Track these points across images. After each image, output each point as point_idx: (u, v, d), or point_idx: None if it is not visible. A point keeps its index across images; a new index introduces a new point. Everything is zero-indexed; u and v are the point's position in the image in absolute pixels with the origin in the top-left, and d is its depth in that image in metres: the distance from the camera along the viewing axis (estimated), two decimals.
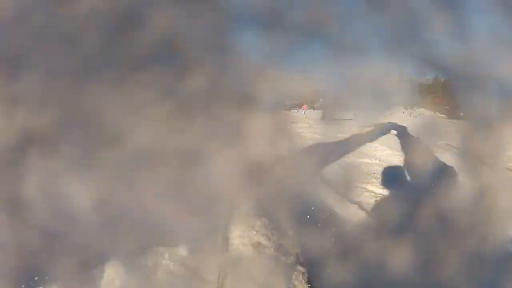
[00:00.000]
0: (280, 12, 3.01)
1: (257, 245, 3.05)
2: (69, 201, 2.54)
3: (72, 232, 2.52)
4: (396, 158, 6.08)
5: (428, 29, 2.86)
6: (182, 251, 2.90)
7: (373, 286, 2.64)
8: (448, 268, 2.59)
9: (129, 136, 2.59)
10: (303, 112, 10.74)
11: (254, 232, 3.17)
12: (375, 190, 4.51)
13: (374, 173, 5.19)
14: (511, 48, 2.69)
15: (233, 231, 3.16)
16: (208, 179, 2.73)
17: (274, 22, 2.98)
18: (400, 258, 2.74)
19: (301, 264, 2.92)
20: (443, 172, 4.50)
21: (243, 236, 3.12)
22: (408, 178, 4.96)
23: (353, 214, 3.79)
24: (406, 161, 5.71)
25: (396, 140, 7.10)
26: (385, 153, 6.40)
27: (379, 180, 4.92)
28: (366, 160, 5.93)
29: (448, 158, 5.04)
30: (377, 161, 5.86)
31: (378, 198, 4.30)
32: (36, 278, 2.54)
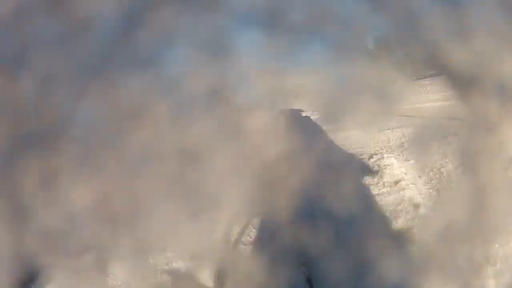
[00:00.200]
0: (280, 11, 3.01)
1: (258, 245, 3.05)
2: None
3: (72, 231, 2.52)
4: (396, 159, 6.08)
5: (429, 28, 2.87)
6: (182, 251, 2.90)
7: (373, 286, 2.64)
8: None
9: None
10: None
11: (254, 231, 3.17)
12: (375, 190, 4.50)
13: (373, 174, 5.18)
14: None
15: (233, 230, 3.16)
16: (208, 178, 2.73)
17: (275, 21, 2.98)
18: (400, 258, 2.74)
19: (301, 264, 2.92)
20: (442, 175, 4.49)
21: (243, 235, 3.12)
22: (408, 178, 4.96)
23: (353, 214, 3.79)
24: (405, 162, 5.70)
25: (396, 141, 7.09)
26: (386, 155, 6.39)
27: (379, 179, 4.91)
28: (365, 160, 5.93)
29: (447, 158, 5.03)
30: (377, 162, 5.85)
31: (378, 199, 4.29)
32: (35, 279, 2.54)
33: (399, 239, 3.11)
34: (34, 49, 2.70)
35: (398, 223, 3.46)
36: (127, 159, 2.59)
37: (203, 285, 2.70)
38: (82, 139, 2.72)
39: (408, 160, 5.49)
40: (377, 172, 5.37)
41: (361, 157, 6.19)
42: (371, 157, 6.26)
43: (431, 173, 4.54)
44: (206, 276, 2.73)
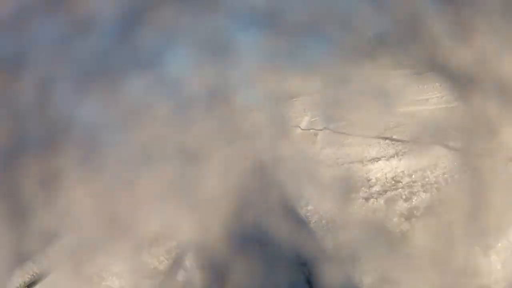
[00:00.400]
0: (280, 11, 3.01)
1: (258, 245, 3.04)
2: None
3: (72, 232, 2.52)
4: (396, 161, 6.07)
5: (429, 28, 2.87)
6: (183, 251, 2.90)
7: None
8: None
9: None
10: None
11: (254, 231, 3.16)
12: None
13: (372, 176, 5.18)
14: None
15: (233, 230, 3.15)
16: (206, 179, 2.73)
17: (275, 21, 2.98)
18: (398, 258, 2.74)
19: (301, 264, 2.92)
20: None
21: (243, 235, 3.11)
22: (406, 179, 4.95)
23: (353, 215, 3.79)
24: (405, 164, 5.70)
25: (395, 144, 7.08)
26: (385, 158, 6.38)
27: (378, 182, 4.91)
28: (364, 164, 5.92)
29: (447, 159, 5.03)
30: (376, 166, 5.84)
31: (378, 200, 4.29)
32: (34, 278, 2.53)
33: (398, 240, 3.11)
34: (34, 49, 2.70)
35: (397, 224, 3.46)
36: (127, 159, 2.59)
37: (202, 285, 2.70)
38: (82, 139, 2.71)
39: (408, 161, 5.49)
40: (376, 172, 5.37)
41: (360, 157, 6.19)
42: (371, 156, 6.26)
43: (430, 174, 4.54)
44: (206, 276, 2.73)
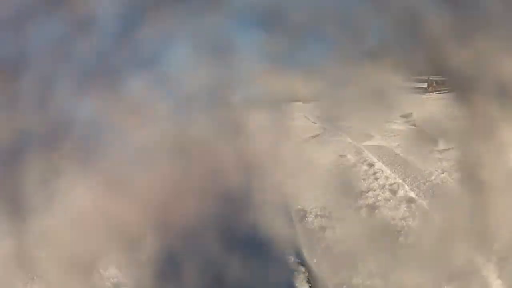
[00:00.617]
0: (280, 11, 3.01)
1: (257, 245, 3.04)
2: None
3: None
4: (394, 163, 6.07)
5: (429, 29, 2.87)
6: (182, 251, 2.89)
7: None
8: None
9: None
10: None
11: (254, 231, 3.16)
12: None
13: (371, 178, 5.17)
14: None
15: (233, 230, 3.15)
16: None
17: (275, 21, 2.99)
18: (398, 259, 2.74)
19: (301, 264, 2.92)
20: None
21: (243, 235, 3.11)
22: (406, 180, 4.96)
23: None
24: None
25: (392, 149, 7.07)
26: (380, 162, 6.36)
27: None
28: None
29: (447, 159, 5.03)
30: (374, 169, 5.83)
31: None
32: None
33: (398, 239, 3.11)
34: (34, 49, 2.70)
35: (397, 224, 3.46)
36: (127, 158, 2.59)
37: (202, 285, 2.69)
38: (82, 138, 2.71)
39: (408, 161, 5.48)
40: (375, 173, 5.37)
41: (360, 157, 6.18)
42: (370, 157, 6.25)
43: (430, 174, 4.54)
44: (206, 276, 2.72)
